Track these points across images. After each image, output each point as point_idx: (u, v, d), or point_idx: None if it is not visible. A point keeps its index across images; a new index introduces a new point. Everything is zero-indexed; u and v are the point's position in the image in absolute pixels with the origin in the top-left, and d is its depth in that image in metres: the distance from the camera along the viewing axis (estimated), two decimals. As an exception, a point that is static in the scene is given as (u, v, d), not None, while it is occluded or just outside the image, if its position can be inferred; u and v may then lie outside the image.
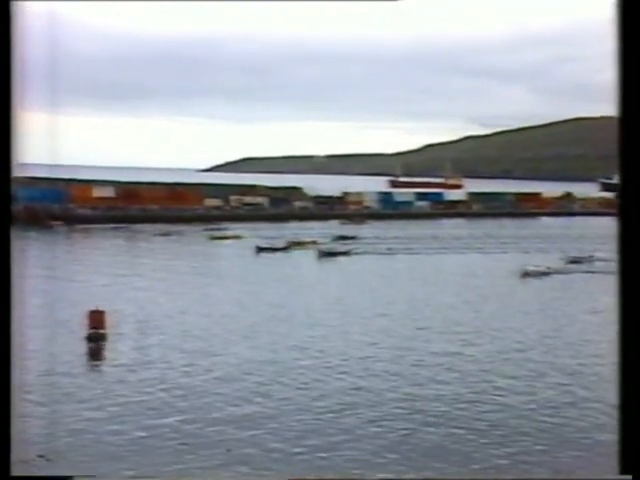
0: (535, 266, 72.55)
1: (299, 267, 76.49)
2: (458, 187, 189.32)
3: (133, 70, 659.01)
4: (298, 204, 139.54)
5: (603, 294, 57.53)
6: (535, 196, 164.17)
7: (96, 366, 39.27)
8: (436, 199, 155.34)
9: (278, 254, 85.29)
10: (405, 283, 66.23)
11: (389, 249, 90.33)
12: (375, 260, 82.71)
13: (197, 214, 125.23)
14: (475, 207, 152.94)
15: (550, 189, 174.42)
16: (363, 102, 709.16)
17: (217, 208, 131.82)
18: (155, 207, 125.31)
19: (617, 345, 5.86)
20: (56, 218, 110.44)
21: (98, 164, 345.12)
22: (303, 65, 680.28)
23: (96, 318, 42.77)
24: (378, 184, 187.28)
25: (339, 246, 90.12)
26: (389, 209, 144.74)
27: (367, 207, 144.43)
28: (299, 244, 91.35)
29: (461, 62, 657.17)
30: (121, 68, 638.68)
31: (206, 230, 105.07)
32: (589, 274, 71.24)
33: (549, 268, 73.05)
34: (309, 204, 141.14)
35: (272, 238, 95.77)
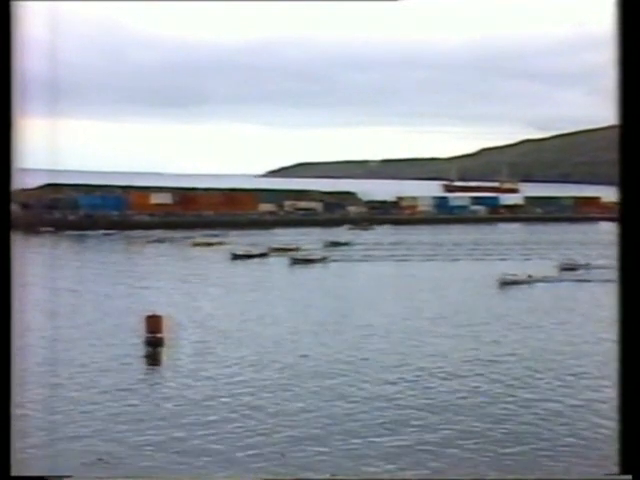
0: (513, 275, 68.18)
1: (256, 275, 73.90)
2: (514, 191, 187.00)
3: (189, 77, 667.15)
4: (352, 209, 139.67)
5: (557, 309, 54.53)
6: (593, 200, 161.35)
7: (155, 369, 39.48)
8: (492, 204, 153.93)
9: (254, 261, 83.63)
10: (342, 294, 62.82)
11: (371, 255, 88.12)
12: (346, 268, 79.97)
13: (251, 219, 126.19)
14: (532, 211, 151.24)
15: (609, 193, 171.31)
16: (418, 107, 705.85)
17: (271, 213, 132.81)
18: (211, 213, 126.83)
19: (617, 346, 5.79)
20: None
21: (154, 170, 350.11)
22: (358, 71, 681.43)
23: (154, 323, 42.71)
24: (433, 189, 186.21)
25: (320, 253, 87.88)
26: (444, 213, 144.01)
27: (421, 212, 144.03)
28: (280, 250, 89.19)
29: (518, 65, 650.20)
30: (177, 75, 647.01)
31: (204, 236, 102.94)
32: (578, 283, 67.87)
33: (530, 277, 68.80)
34: (363, 209, 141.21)
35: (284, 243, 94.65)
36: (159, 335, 42.40)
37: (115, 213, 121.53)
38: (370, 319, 51.24)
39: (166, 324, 43.05)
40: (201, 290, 64.16)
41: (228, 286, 66.61)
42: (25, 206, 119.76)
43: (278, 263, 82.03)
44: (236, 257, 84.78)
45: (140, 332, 43.38)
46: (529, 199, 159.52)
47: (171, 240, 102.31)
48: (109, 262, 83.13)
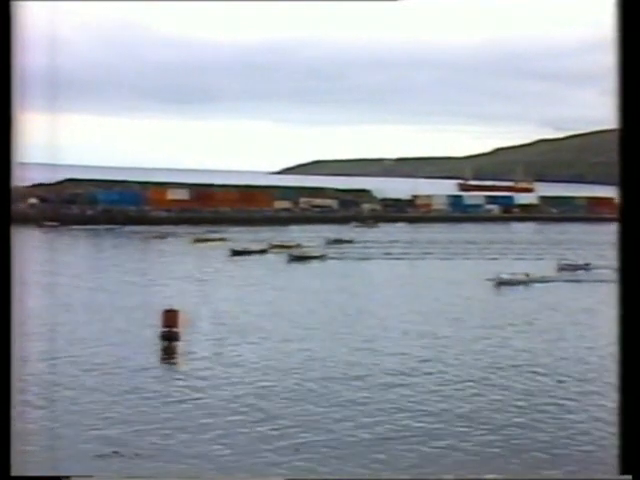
0: (510, 274, 67.09)
1: (247, 271, 73.60)
2: (529, 191, 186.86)
3: (204, 75, 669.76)
4: (367, 207, 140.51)
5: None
6: (608, 201, 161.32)
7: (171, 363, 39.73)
8: (506, 203, 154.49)
9: (252, 258, 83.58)
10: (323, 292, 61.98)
11: (371, 253, 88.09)
12: (343, 265, 79.81)
13: (267, 216, 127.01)
14: (546, 211, 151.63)
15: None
16: (434, 106, 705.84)
17: (286, 210, 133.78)
18: (227, 209, 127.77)
19: (617, 346, 5.82)
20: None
21: (171, 166, 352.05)
22: (374, 69, 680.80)
23: (170, 317, 42.84)
24: (448, 187, 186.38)
25: (320, 250, 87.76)
26: (458, 212, 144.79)
27: (436, 210, 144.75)
28: (280, 247, 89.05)
29: (534, 65, 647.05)
30: (193, 73, 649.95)
31: (208, 232, 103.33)
32: (574, 283, 67.56)
33: (527, 276, 67.96)
34: (378, 207, 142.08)
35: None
36: (175, 329, 42.45)
37: (132, 208, 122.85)
38: (337, 321, 50.06)
39: (182, 319, 43.02)
40: (187, 286, 63.48)
41: (216, 282, 66.59)
42: (44, 200, 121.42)
43: (275, 260, 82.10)
44: (235, 253, 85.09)
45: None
46: (543, 199, 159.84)
47: (174, 236, 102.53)
48: (102, 257, 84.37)
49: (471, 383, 36.06)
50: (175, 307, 43.99)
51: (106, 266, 76.18)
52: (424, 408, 32.04)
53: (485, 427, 29.67)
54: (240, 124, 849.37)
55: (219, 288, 63.40)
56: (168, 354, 40.90)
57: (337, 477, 23.97)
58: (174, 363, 40.08)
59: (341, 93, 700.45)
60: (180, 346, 41.70)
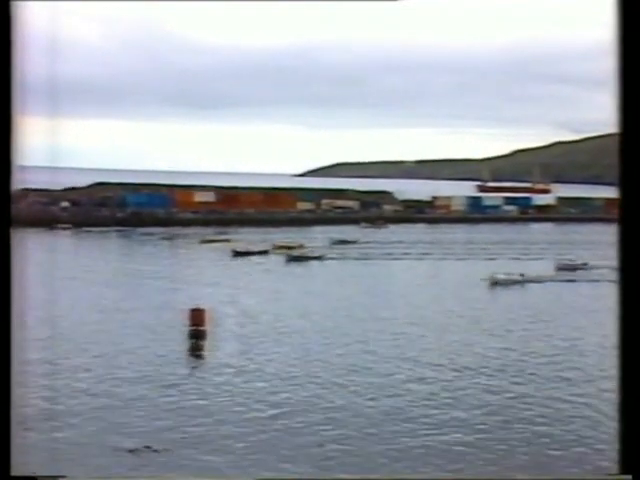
0: (506, 274, 67.56)
1: (240, 272, 74.65)
2: (546, 192, 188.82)
3: (229, 80, 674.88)
4: (388, 208, 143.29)
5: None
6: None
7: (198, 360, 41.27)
8: (524, 204, 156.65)
9: (253, 258, 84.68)
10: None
11: (370, 254, 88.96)
12: (339, 266, 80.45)
13: (290, 217, 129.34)
14: (564, 212, 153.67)
15: None
16: (453, 109, 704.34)
17: (309, 211, 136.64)
18: (252, 211, 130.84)
19: (617, 345, 5.75)
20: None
21: (196, 170, 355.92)
22: (394, 73, 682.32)
23: (197, 316, 44.51)
24: (467, 189, 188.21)
25: (321, 250, 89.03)
26: (477, 213, 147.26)
27: (455, 211, 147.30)
28: (283, 248, 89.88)
29: (550, 69, 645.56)
30: (218, 79, 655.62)
31: (217, 234, 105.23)
32: (571, 283, 68.55)
33: (522, 276, 68.54)
34: (398, 208, 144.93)
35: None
36: (202, 328, 44.06)
37: (161, 211, 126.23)
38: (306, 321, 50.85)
39: (209, 317, 44.80)
40: (169, 286, 64.89)
41: (201, 283, 67.15)
42: (76, 204, 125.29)
43: (274, 261, 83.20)
44: (237, 254, 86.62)
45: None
46: (561, 199, 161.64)
47: (185, 237, 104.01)
48: (106, 258, 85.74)
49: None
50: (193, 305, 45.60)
51: (105, 266, 78.00)
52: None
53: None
54: (263, 128, 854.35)
55: (201, 288, 63.13)
56: (196, 351, 42.46)
57: (337, 477, 23.91)
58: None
59: (362, 97, 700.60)
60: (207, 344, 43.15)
